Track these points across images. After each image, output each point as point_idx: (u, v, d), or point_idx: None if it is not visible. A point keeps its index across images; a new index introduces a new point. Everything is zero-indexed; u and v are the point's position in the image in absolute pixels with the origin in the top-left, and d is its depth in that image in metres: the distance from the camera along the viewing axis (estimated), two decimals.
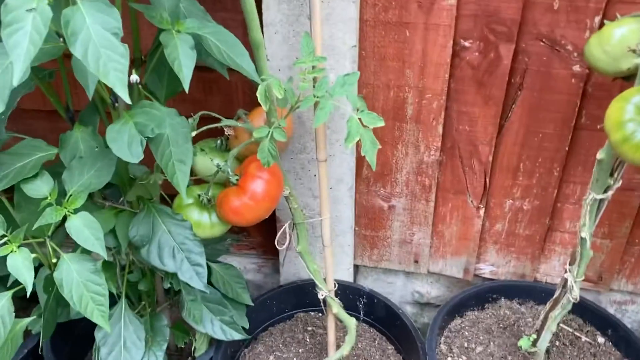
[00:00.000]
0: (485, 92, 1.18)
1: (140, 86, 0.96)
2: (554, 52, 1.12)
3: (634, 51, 0.90)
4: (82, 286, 0.90)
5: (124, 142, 0.83)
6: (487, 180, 1.28)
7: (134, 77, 0.92)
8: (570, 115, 1.17)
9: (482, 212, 1.33)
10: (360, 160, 1.32)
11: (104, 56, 0.64)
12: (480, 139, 1.23)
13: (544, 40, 1.11)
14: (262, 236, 1.53)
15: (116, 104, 0.94)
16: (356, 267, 1.52)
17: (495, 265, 1.42)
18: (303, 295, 1.44)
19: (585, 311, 1.38)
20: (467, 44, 1.14)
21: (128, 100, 0.65)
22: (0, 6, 0.61)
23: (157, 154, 0.87)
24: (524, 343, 1.24)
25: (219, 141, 1.17)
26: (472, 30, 1.12)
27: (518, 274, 1.42)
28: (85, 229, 0.88)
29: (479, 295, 1.41)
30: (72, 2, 0.65)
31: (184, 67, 0.79)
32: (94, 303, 0.91)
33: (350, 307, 1.43)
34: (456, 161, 1.28)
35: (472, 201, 1.32)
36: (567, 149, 1.21)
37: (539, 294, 1.41)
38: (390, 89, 1.21)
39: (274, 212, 1.37)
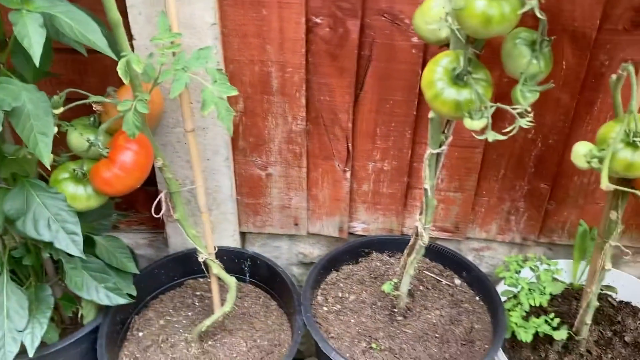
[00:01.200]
0: (339, 64, 1.30)
1: (2, 65, 1.01)
2: (395, 25, 1.26)
3: (446, 20, 1.04)
4: None
5: None
6: (350, 145, 1.42)
7: None
8: (414, 83, 1.32)
9: (348, 174, 1.46)
10: (235, 133, 1.42)
11: None
12: (339, 108, 1.36)
13: (385, 15, 1.25)
14: (149, 211, 1.60)
15: None
16: (243, 235, 1.62)
17: (366, 223, 1.57)
18: (191, 263, 1.53)
19: (445, 258, 1.56)
20: (318, 20, 1.26)
21: None
22: None
23: (18, 127, 0.94)
24: (386, 287, 1.39)
25: (92, 118, 1.24)
26: (321, 7, 1.24)
27: (387, 229, 1.57)
28: None
29: (352, 251, 1.55)
30: None
31: (34, 43, 0.86)
32: None
33: (236, 271, 1.54)
34: (321, 129, 1.40)
35: (338, 165, 1.45)
36: (414, 113, 1.36)
37: (405, 245, 1.56)
38: (254, 64, 1.32)
39: (155, 186, 1.45)
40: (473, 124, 0.96)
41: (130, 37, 1.24)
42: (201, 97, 1.03)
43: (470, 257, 1.64)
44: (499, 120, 1.18)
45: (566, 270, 1.58)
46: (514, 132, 0.94)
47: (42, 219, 1.10)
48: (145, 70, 1.06)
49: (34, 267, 1.28)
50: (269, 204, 1.53)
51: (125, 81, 1.04)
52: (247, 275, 1.56)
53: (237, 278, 1.54)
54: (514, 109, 0.95)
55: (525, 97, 0.98)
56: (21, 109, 0.93)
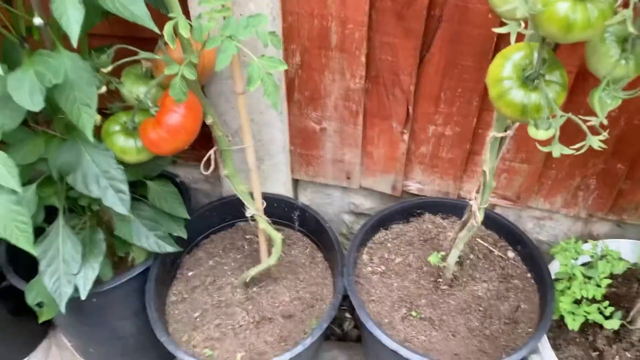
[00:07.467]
0: (405, 24, 1.19)
1: (48, 27, 0.98)
2: None
3: (519, 24, 0.90)
4: (6, 217, 0.99)
5: (25, 91, 0.88)
6: (410, 108, 1.33)
7: (38, 21, 0.95)
8: (487, 48, 1.19)
9: (406, 136, 1.39)
10: (290, 85, 1.36)
11: None
12: (402, 70, 1.26)
13: None
14: (207, 149, 1.60)
15: (25, 44, 0.97)
16: (296, 181, 1.61)
17: (422, 183, 1.51)
18: (243, 207, 1.55)
19: (501, 228, 1.49)
20: None
21: None
22: None
23: (61, 99, 0.93)
24: (433, 259, 1.35)
25: (144, 69, 1.21)
26: None
27: (442, 192, 1.51)
28: (1, 166, 0.95)
29: (404, 210, 1.51)
30: None
31: (72, 23, 0.82)
32: (18, 231, 1.01)
33: (286, 218, 1.55)
34: (381, 89, 1.32)
35: (396, 127, 1.37)
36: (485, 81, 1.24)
37: (460, 210, 1.49)
38: (314, 17, 1.22)
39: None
40: (538, 133, 0.87)
41: None
42: (247, 72, 0.98)
43: (530, 225, 1.56)
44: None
45: (633, 250, 1.48)
46: (583, 150, 0.84)
47: (91, 175, 1.12)
48: (194, 33, 1.01)
49: (90, 207, 1.33)
50: (322, 156, 1.49)
51: (171, 46, 0.99)
52: (297, 224, 1.56)
53: (286, 225, 1.56)
54: (586, 121, 0.84)
55: (603, 105, 0.86)
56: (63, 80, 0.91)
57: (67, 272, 1.21)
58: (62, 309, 1.20)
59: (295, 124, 1.44)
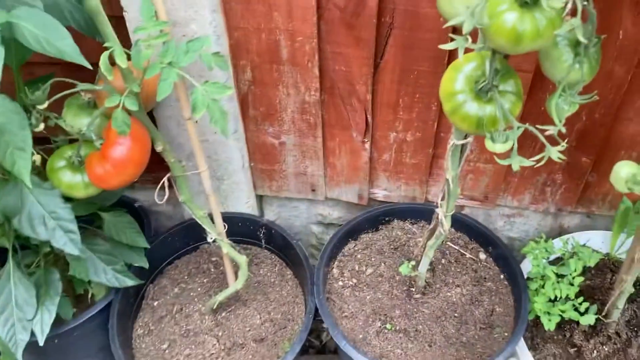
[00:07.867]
0: (355, 34, 1.15)
1: None
2: None
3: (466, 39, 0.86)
4: None
5: None
6: (369, 116, 1.29)
7: None
8: (442, 53, 1.16)
9: (367, 145, 1.35)
10: (244, 102, 1.31)
11: None
12: (357, 79, 1.22)
13: None
14: (164, 171, 1.54)
15: None
16: (260, 197, 1.56)
17: (388, 190, 1.47)
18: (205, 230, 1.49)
19: (471, 230, 1.46)
20: None
21: None
22: None
23: None
24: (404, 269, 1.32)
25: (86, 99, 1.15)
26: None
27: (409, 197, 1.48)
28: None
29: (372, 219, 1.47)
30: None
31: None
32: None
33: (251, 237, 1.51)
34: (337, 100, 1.28)
35: (356, 136, 1.33)
36: None
37: (429, 214, 1.46)
38: (261, 31, 1.17)
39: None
40: (495, 146, 0.83)
41: (120, 9, 1.11)
42: (191, 100, 0.93)
43: (500, 223, 1.54)
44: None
45: (604, 241, 1.47)
46: (542, 163, 0.81)
47: (38, 217, 1.06)
48: (133, 59, 0.95)
49: (41, 246, 1.26)
50: (284, 170, 1.45)
51: (108, 77, 0.94)
52: (263, 241, 1.51)
53: (252, 244, 1.52)
54: (543, 130, 0.82)
55: (561, 111, 0.84)
56: None
57: (21, 318, 1.14)
58: (19, 357, 1.14)
59: (253, 140, 1.39)
